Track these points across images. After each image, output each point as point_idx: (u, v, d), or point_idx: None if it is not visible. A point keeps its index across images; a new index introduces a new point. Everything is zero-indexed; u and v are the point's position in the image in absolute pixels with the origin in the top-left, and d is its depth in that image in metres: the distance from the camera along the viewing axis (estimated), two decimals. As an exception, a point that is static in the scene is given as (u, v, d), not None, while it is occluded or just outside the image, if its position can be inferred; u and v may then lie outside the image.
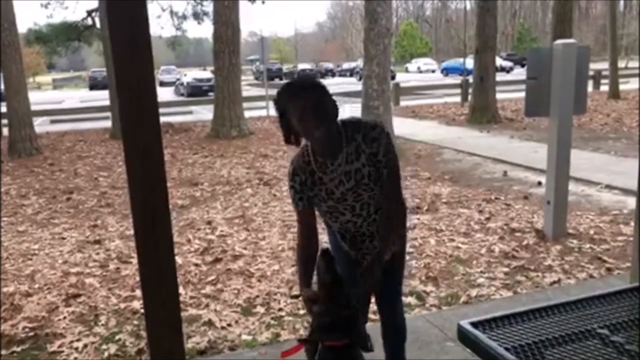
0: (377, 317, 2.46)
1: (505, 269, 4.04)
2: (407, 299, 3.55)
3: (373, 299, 2.29)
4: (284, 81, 2.00)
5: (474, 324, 1.64)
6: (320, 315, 1.88)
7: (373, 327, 2.30)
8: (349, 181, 2.00)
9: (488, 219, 5.28)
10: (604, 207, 5.53)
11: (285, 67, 48.08)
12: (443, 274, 4.00)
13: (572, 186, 4.93)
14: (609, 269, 4.00)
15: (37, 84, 48.23)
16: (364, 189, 2.01)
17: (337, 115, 1.94)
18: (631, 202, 5.26)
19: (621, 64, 22.80)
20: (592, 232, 4.78)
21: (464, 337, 1.63)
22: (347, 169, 1.98)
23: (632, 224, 4.01)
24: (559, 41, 4.51)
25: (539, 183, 6.42)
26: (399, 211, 2.11)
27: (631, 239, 4.11)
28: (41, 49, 22.50)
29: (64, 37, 18.45)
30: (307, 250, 2.04)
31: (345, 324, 1.86)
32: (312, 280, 2.02)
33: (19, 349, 3.16)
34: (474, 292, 3.67)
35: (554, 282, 3.80)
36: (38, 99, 22.73)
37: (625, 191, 5.91)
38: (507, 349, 1.49)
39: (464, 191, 6.43)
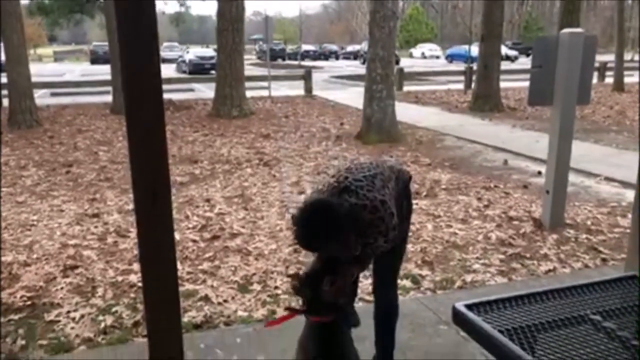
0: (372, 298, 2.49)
1: (501, 256, 4.07)
2: (402, 282, 3.57)
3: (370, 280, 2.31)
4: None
5: (469, 306, 1.65)
6: (311, 291, 1.91)
7: (367, 308, 2.32)
8: None
9: (486, 206, 5.29)
10: (602, 199, 5.54)
11: (289, 48, 47.72)
12: (439, 259, 4.02)
13: (571, 177, 4.94)
14: (604, 260, 4.02)
15: (38, 56, 47.86)
16: None
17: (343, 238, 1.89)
18: (630, 194, 5.27)
19: (627, 56, 22.65)
20: (589, 223, 4.80)
21: (458, 318, 1.65)
22: None
23: (630, 216, 4.03)
24: (566, 30, 4.47)
25: (539, 173, 6.42)
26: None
27: (627, 231, 4.13)
28: (43, 20, 22.31)
29: (66, 9, 18.29)
30: None
31: (332, 302, 1.89)
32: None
33: (16, 317, 3.18)
34: (469, 278, 3.70)
35: (549, 271, 3.83)
36: (39, 71, 22.61)
37: (625, 184, 5.92)
38: (500, 331, 1.51)
39: (464, 178, 6.44)
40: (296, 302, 3.31)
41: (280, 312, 3.21)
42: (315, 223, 1.81)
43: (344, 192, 1.94)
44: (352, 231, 1.87)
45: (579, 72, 4.33)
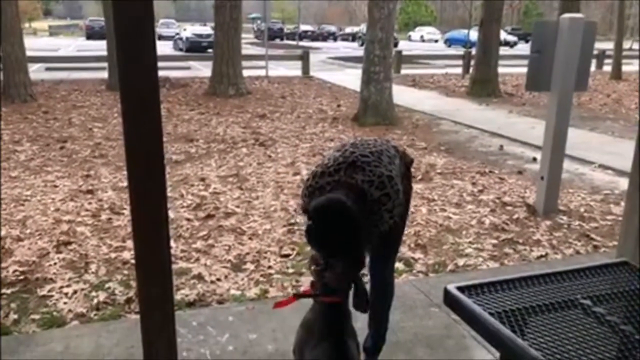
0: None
1: (494, 241, 4.09)
2: (395, 264, 3.59)
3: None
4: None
5: (461, 289, 1.66)
6: (322, 271, 1.92)
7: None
8: None
9: (481, 191, 5.31)
10: (596, 187, 5.56)
11: (287, 28, 47.25)
12: (432, 242, 4.04)
13: (566, 164, 4.95)
14: (595, 247, 4.05)
15: (32, 29, 47.20)
16: None
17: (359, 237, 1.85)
18: (623, 182, 5.29)
19: (627, 44, 22.57)
20: (582, 210, 4.82)
21: (449, 300, 1.66)
22: None
23: (623, 204, 4.05)
24: (565, 15, 4.44)
25: (534, 159, 6.43)
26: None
27: (620, 218, 4.15)
28: (38, -7, 21.94)
29: (61, -18, 17.98)
30: None
31: (345, 283, 1.91)
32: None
33: (8, 291, 3.19)
34: (461, 262, 3.72)
35: (541, 256, 3.86)
36: (33, 44, 22.31)
37: (619, 172, 5.94)
38: (491, 314, 1.52)
39: (459, 163, 6.44)
40: (289, 283, 3.34)
41: (273, 292, 3.23)
42: (332, 227, 1.77)
43: (350, 167, 1.92)
44: (363, 231, 1.85)
45: (578, 58, 4.31)
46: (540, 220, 4.52)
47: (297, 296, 2.00)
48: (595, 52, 17.56)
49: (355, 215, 1.77)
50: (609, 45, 19.83)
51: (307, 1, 66.27)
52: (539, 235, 4.23)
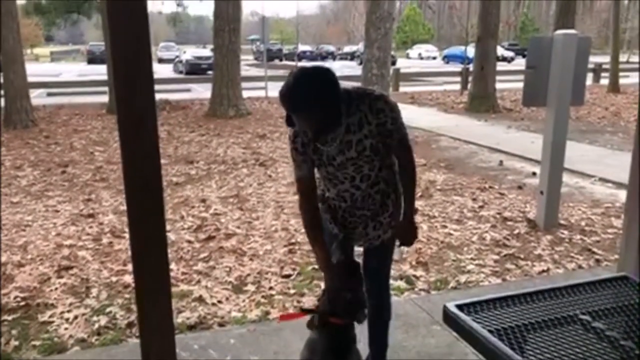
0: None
1: (496, 257, 4.08)
2: (397, 283, 3.59)
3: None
4: (287, 71, 1.93)
5: (460, 306, 1.66)
6: (332, 292, 1.94)
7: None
8: (349, 150, 2.00)
9: (481, 207, 5.31)
10: (597, 200, 5.56)
11: (286, 49, 47.71)
12: (434, 260, 4.03)
13: (566, 178, 4.96)
14: (597, 261, 4.04)
15: (34, 55, 47.69)
16: (365, 160, 2.03)
17: (336, 103, 1.90)
18: (624, 195, 5.27)
19: (623, 58, 22.71)
20: (583, 223, 4.82)
21: (449, 318, 1.65)
22: (348, 138, 1.98)
23: (623, 216, 4.04)
24: (560, 31, 4.49)
25: (534, 174, 6.44)
26: (414, 172, 2.16)
27: (621, 231, 4.15)
28: (40, 20, 22.28)
29: (63, 9, 18.28)
30: (313, 214, 2.12)
31: (353, 305, 1.92)
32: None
33: (10, 318, 3.18)
34: (463, 278, 3.71)
35: (543, 271, 3.85)
36: (35, 71, 22.53)
37: (619, 185, 5.94)
38: (490, 332, 1.52)
39: (459, 179, 6.45)
40: (290, 304, 3.33)
41: (274, 314, 3.22)
42: (309, 84, 1.84)
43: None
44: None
45: (573, 73, 4.35)
46: (542, 235, 4.51)
47: (304, 311, 2.01)
48: (592, 66, 17.72)
49: (332, 79, 1.85)
50: (605, 59, 19.96)
51: (305, 22, 67.08)
52: (540, 250, 4.22)
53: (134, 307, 3.23)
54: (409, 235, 2.21)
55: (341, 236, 2.21)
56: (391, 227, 2.20)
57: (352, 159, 2.02)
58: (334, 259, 2.06)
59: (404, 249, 4.07)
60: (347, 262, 2.07)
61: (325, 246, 2.08)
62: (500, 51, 28.25)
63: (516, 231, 4.60)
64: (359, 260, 2.23)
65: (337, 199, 2.17)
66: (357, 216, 2.18)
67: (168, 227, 4.19)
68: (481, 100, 12.83)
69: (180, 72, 27.14)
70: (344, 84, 1.95)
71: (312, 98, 1.82)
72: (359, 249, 2.32)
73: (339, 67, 33.87)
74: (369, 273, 2.28)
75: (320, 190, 2.21)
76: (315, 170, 2.12)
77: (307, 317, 1.98)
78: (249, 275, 3.76)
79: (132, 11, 1.54)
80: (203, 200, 5.57)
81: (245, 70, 17.27)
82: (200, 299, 3.40)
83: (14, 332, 3.03)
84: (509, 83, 16.86)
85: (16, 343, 2.92)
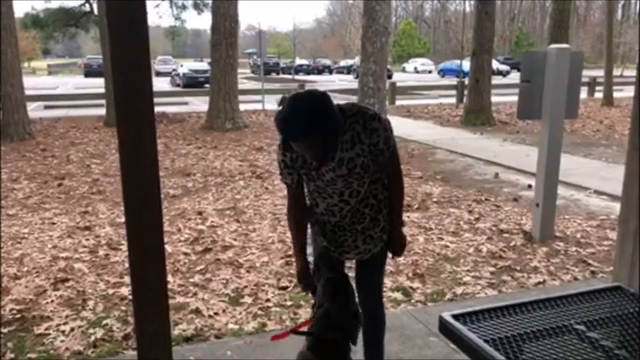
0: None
1: (492, 269, 4.09)
2: (393, 294, 3.59)
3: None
4: (284, 95, 1.93)
5: (456, 317, 1.67)
6: (324, 309, 1.94)
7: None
8: (340, 168, 2.01)
9: (477, 219, 5.33)
10: (592, 212, 5.59)
11: (283, 62, 48.01)
12: (430, 271, 4.04)
13: (561, 190, 4.99)
14: (593, 272, 4.06)
15: (32, 69, 47.76)
16: (355, 177, 2.03)
17: (335, 129, 1.89)
18: (618, 207, 5.32)
19: (617, 72, 22.95)
20: (578, 235, 4.84)
21: (445, 328, 1.66)
22: (340, 156, 1.99)
23: (617, 228, 4.07)
24: (553, 46, 4.56)
25: (529, 186, 6.47)
26: (402, 186, 2.21)
27: (616, 243, 4.18)
28: (37, 33, 22.34)
29: (60, 22, 18.33)
30: (299, 219, 2.18)
31: (345, 322, 1.92)
32: (308, 252, 2.18)
33: (5, 331, 3.17)
34: (459, 290, 3.72)
35: (539, 283, 3.86)
36: (32, 84, 22.58)
37: (614, 197, 5.97)
38: (486, 341, 1.53)
39: (455, 191, 6.48)
40: (287, 315, 3.33)
41: (271, 326, 3.22)
42: (311, 108, 1.83)
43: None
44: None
45: (567, 87, 4.40)
46: (537, 247, 4.53)
47: (293, 332, 2.00)
48: (586, 79, 17.88)
49: (330, 104, 1.85)
50: (599, 73, 20.15)
51: (301, 36, 67.55)
52: (536, 262, 4.24)
53: (130, 319, 3.23)
54: (398, 246, 2.25)
55: (329, 251, 2.22)
56: (382, 241, 2.21)
57: (342, 176, 2.02)
58: (322, 277, 2.08)
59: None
60: (335, 279, 2.07)
61: (302, 241, 2.18)
62: (496, 65, 28.49)
63: (512, 243, 4.62)
64: (351, 273, 2.24)
65: (325, 213, 2.17)
66: (347, 230, 2.17)
67: (165, 240, 4.20)
68: (477, 114, 12.91)
69: (178, 85, 27.27)
70: (338, 100, 1.97)
71: (312, 127, 1.80)
72: (349, 261, 2.33)
73: (336, 80, 34.10)
74: (362, 286, 2.29)
75: (309, 203, 2.23)
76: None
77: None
78: (245, 287, 3.76)
79: (133, 26, 1.57)
80: (200, 213, 5.57)
81: (242, 84, 17.36)
82: (197, 311, 3.40)
83: (9, 344, 3.02)
84: (505, 96, 16.99)
85: (12, 355, 2.90)
